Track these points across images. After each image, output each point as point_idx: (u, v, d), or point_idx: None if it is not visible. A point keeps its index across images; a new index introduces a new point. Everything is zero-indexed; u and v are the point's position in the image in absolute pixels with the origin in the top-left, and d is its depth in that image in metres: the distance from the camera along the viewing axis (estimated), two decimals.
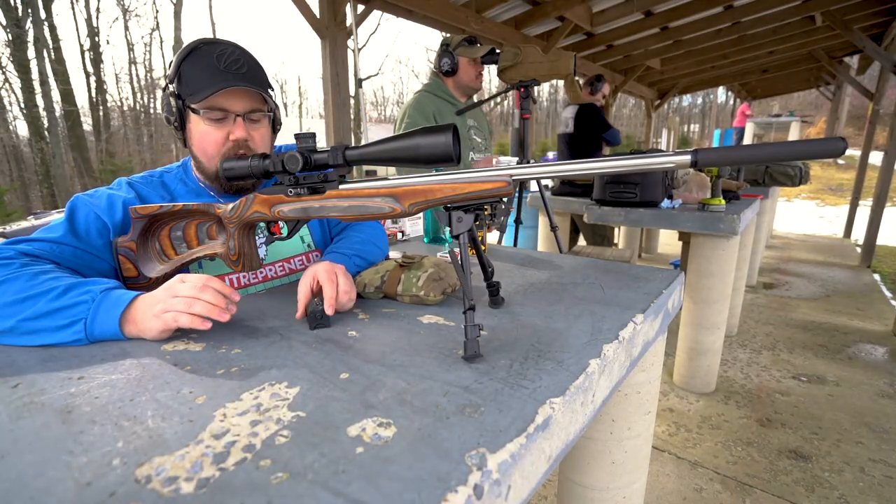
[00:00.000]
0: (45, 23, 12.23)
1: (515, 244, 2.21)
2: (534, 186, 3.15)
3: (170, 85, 0.82)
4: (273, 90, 0.92)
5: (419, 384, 0.49)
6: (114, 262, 0.80)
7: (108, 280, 0.66)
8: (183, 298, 0.61)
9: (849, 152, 9.61)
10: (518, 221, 2.17)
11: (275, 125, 0.93)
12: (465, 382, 0.49)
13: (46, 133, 12.23)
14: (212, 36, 0.84)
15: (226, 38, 0.84)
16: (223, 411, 0.44)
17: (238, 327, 0.67)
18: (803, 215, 8.76)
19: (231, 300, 0.64)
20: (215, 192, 0.92)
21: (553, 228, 2.06)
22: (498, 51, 1.85)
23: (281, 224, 0.83)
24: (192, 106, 0.80)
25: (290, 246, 0.99)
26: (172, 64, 0.81)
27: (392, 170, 5.29)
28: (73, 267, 0.74)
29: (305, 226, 1.00)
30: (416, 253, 0.89)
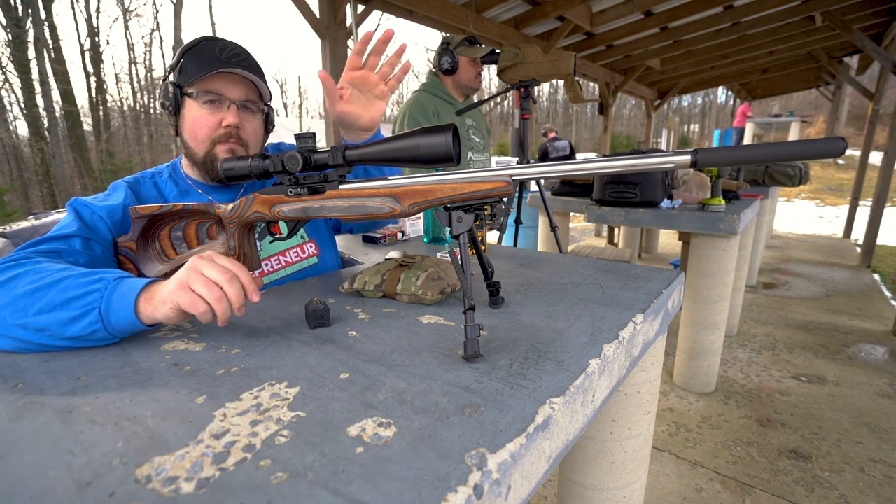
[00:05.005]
0: (45, 23, 12.24)
1: (515, 244, 2.21)
2: (534, 186, 3.15)
3: (170, 74, 0.85)
4: (271, 95, 0.94)
5: (419, 384, 0.49)
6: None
7: (122, 271, 0.63)
8: (206, 282, 0.56)
9: (849, 152, 9.63)
10: (518, 221, 2.17)
11: (267, 125, 0.95)
12: (465, 382, 0.49)
13: (46, 133, 12.24)
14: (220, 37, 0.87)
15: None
16: (223, 411, 0.44)
17: (238, 327, 0.67)
18: (803, 215, 8.76)
19: (249, 300, 0.59)
20: (203, 190, 0.93)
21: (553, 228, 2.06)
22: (498, 51, 1.85)
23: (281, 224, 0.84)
24: (189, 90, 0.83)
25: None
26: (175, 55, 0.85)
27: None
28: (86, 260, 0.73)
29: None
30: (417, 253, 0.89)
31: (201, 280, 0.56)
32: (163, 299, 0.57)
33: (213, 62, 0.81)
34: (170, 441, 0.39)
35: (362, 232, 1.29)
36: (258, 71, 0.87)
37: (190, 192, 0.92)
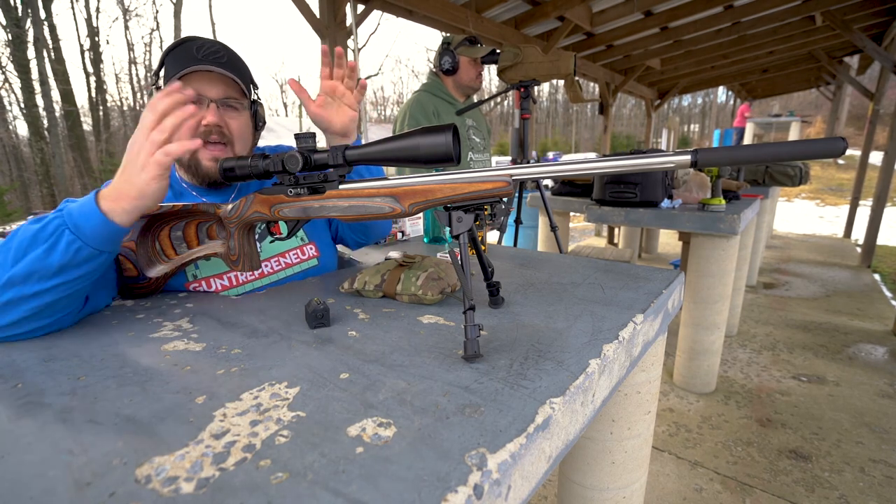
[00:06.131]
0: (45, 23, 12.25)
1: (515, 244, 2.21)
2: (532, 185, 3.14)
3: (156, 80, 0.85)
4: (257, 88, 0.93)
5: (419, 384, 0.49)
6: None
7: (72, 199, 0.66)
8: (154, 130, 0.60)
9: (849, 152, 9.62)
10: (518, 221, 2.17)
11: (256, 122, 0.94)
12: (465, 382, 0.49)
13: (46, 133, 12.25)
14: (206, 36, 0.86)
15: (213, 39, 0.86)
16: (223, 411, 0.44)
17: (238, 327, 0.67)
18: (803, 215, 8.76)
19: (186, 97, 0.62)
20: (197, 192, 0.93)
21: (553, 228, 2.06)
22: (498, 51, 1.85)
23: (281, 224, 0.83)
24: None
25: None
26: (159, 59, 0.85)
27: (392, 170, 5.30)
28: None
29: None
30: (417, 253, 0.89)
31: (151, 138, 0.60)
32: (143, 181, 0.60)
33: (189, 61, 0.80)
34: (170, 441, 0.39)
35: (360, 246, 1.19)
36: (238, 67, 0.86)
37: (184, 194, 0.92)
